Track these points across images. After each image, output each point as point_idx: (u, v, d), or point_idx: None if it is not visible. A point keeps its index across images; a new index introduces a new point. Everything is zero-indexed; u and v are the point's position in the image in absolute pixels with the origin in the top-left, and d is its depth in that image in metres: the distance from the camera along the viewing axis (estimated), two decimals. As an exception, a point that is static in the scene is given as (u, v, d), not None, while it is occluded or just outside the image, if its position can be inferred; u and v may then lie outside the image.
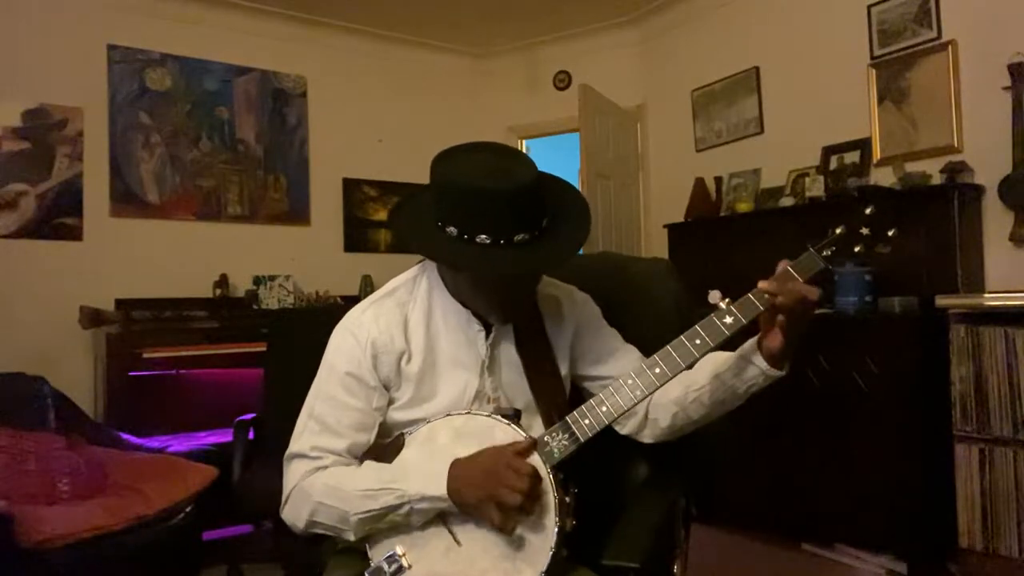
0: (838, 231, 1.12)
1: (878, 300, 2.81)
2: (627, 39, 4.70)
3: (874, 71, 3.27)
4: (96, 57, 3.85)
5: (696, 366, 1.18)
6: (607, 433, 1.19)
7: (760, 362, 1.14)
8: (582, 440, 1.17)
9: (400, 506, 1.13)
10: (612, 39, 4.75)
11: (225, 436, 3.02)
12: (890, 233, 1.10)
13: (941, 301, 2.49)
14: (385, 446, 1.24)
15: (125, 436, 2.99)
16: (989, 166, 2.83)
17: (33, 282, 3.61)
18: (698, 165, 4.16)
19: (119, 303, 3.74)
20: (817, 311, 1.11)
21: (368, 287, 4.36)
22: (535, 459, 1.14)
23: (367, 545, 1.19)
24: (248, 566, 2.87)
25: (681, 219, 4.02)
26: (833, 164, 3.43)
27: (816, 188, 3.32)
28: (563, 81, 4.91)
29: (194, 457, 2.85)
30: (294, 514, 1.22)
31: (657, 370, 1.15)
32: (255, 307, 4.05)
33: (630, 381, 1.17)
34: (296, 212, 4.47)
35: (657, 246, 4.35)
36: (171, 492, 2.43)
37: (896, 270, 2.79)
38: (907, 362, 2.60)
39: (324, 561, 1.30)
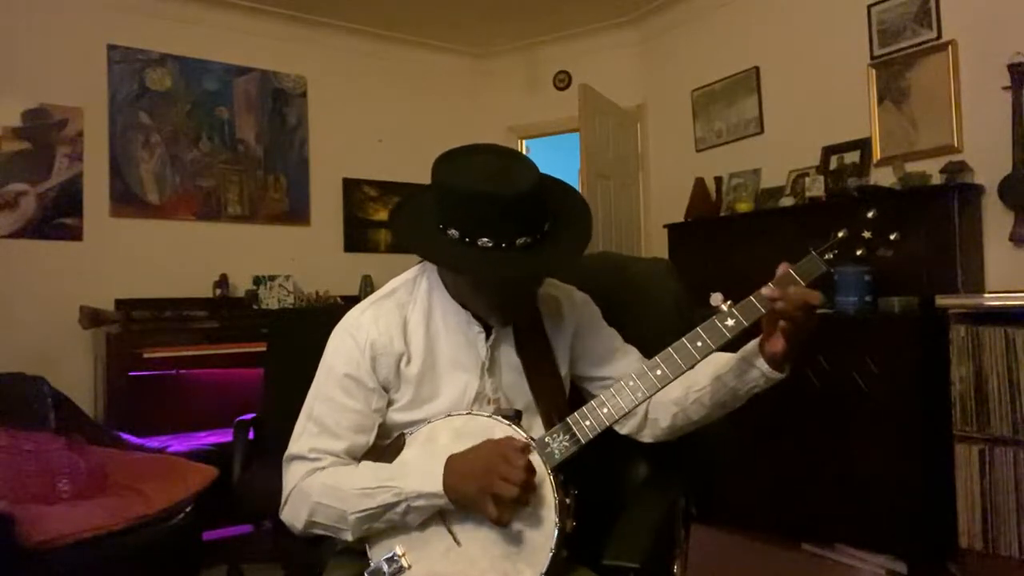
0: (840, 234, 1.12)
1: (878, 300, 2.81)
2: (627, 39, 4.70)
3: (874, 71, 3.27)
4: (96, 57, 3.85)
5: (697, 367, 1.18)
6: (607, 433, 1.19)
7: (762, 365, 1.14)
8: (583, 442, 1.17)
9: (397, 504, 1.13)
10: (612, 39, 4.75)
11: (225, 436, 3.02)
12: (892, 237, 1.10)
13: (941, 301, 2.49)
14: (385, 447, 1.24)
15: (125, 436, 2.99)
16: (989, 166, 2.83)
17: (33, 282, 3.61)
18: (698, 165, 4.16)
19: (119, 303, 3.74)
20: (817, 311, 1.11)
21: (368, 287, 4.36)
22: (535, 459, 1.14)
23: (367, 545, 1.19)
24: (248, 566, 2.87)
25: (681, 219, 4.02)
26: (833, 164, 3.43)
27: (816, 188, 3.32)
28: (563, 81, 4.91)
29: (194, 457, 2.85)
30: (293, 515, 1.22)
31: (658, 372, 1.16)
32: (255, 307, 4.05)
33: (631, 383, 1.17)
34: (296, 212, 4.47)
35: (657, 246, 4.35)
36: (171, 492, 2.43)
37: (896, 270, 2.78)
38: (907, 362, 2.60)
39: (324, 561, 1.30)
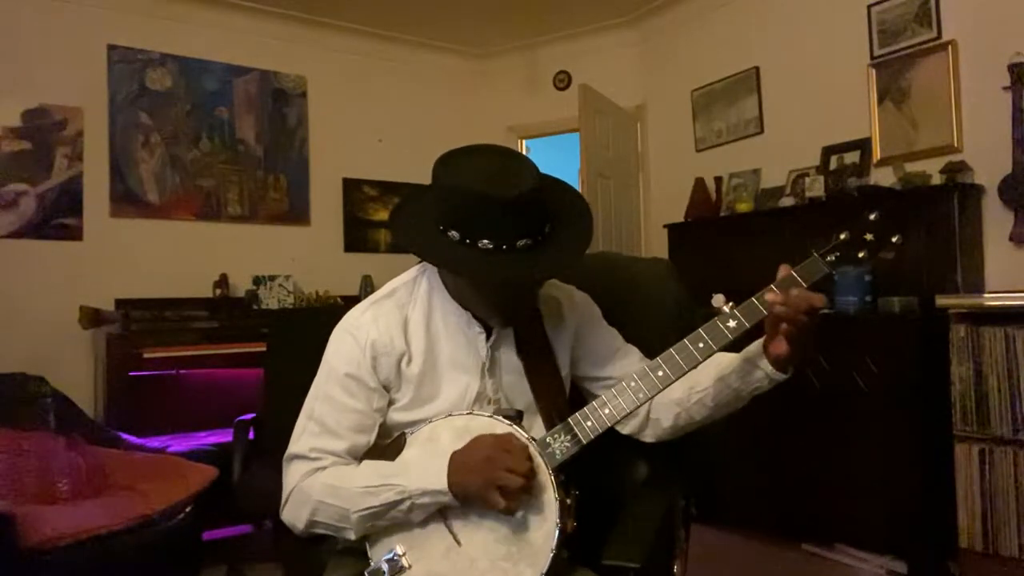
0: (842, 236, 1.11)
1: (878, 300, 2.81)
2: (627, 39, 4.70)
3: (874, 71, 3.27)
4: (96, 57, 3.85)
5: (699, 367, 1.17)
6: (607, 432, 1.19)
7: (766, 366, 1.14)
8: (584, 442, 1.17)
9: (401, 502, 1.13)
10: (612, 39, 4.75)
11: (225, 436, 3.02)
12: (894, 239, 1.10)
13: (941, 301, 2.49)
14: (386, 446, 1.24)
15: (125, 436, 2.99)
16: (989, 166, 2.83)
17: (33, 282, 3.61)
18: (698, 165, 4.16)
19: (119, 303, 3.74)
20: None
21: (368, 287, 4.35)
22: (536, 459, 1.14)
23: (367, 545, 1.19)
24: (248, 566, 2.87)
25: (681, 219, 4.02)
26: (833, 164, 3.42)
27: (816, 188, 3.32)
28: (563, 81, 4.91)
29: (194, 457, 2.85)
30: (294, 515, 1.22)
31: (660, 373, 1.15)
32: (255, 307, 4.05)
33: (633, 383, 1.17)
34: (296, 212, 4.47)
35: (657, 246, 4.35)
36: (171, 492, 2.43)
37: (896, 270, 2.79)
38: (907, 362, 2.60)
39: (324, 561, 1.30)
